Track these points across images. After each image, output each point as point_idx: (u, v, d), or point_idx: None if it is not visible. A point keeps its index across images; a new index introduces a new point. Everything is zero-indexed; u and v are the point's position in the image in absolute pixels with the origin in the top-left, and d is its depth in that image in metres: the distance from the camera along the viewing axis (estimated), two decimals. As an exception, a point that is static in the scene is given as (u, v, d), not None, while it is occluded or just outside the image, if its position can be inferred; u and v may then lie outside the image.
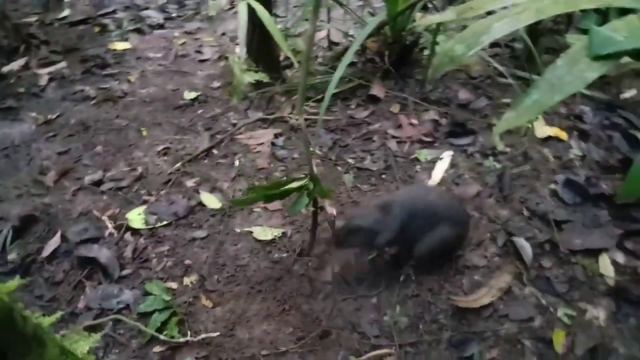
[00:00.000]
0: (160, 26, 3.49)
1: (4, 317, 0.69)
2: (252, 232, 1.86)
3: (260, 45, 2.40)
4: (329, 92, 1.93)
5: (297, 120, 1.60)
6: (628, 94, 2.43)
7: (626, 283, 1.62)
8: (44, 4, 3.83)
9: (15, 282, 0.73)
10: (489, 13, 1.30)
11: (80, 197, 2.07)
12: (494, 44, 2.93)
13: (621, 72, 2.37)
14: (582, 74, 1.05)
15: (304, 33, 2.61)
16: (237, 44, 3.10)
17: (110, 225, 1.92)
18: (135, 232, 1.89)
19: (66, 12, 3.71)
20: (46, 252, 1.84)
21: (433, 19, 1.60)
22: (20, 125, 2.50)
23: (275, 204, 1.98)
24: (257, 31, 2.36)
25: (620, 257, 1.69)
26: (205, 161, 2.22)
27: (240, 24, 2.05)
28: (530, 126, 2.19)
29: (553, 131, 2.20)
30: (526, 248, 1.71)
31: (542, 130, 2.20)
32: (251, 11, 2.14)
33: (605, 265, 1.67)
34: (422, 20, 1.77)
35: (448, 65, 1.23)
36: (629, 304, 1.56)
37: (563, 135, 2.19)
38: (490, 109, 2.40)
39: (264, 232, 1.86)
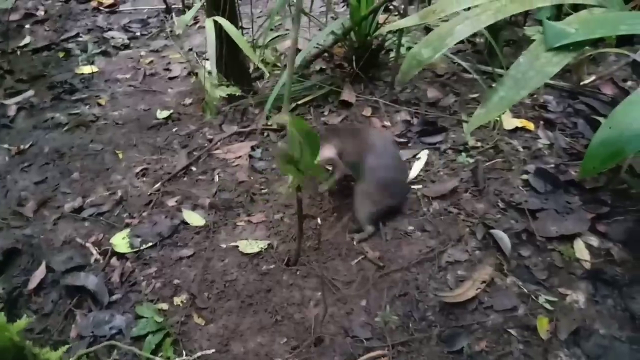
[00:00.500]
0: (126, 46, 3.48)
1: (17, 356, 0.70)
2: (237, 247, 1.88)
3: (229, 59, 2.42)
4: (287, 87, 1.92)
5: (280, 120, 1.64)
6: (587, 80, 2.53)
7: (601, 265, 1.69)
8: (2, 33, 3.77)
9: (24, 320, 0.74)
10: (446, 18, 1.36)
11: (62, 226, 2.06)
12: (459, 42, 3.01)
13: (580, 60, 2.47)
14: (544, 69, 1.11)
15: (275, 42, 2.64)
16: (205, 60, 3.11)
17: (95, 251, 1.92)
18: (121, 256, 1.89)
19: (27, 39, 3.67)
20: (32, 283, 1.83)
21: (399, 23, 1.65)
22: (-7, 158, 2.48)
23: (259, 216, 2.01)
24: (225, 46, 2.38)
25: (594, 241, 1.77)
26: (185, 179, 2.23)
27: (208, 40, 2.07)
28: (498, 119, 2.26)
29: (520, 122, 2.28)
30: (504, 239, 1.77)
31: (510, 122, 2.28)
32: (218, 26, 2.16)
33: (580, 250, 1.75)
34: (388, 26, 1.81)
35: (416, 68, 1.28)
36: (606, 286, 1.64)
37: (530, 125, 2.27)
38: (458, 105, 2.47)
39: (249, 246, 1.89)
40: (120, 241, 1.92)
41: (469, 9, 1.29)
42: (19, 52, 3.51)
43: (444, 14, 1.33)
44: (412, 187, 2.03)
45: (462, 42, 2.93)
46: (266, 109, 2.19)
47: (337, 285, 1.71)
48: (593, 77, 2.53)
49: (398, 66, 2.50)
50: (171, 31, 3.51)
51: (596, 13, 1.26)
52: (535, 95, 2.47)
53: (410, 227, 1.88)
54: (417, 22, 1.40)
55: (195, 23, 3.66)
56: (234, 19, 2.35)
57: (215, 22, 2.11)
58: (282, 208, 2.03)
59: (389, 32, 2.50)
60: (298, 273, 1.78)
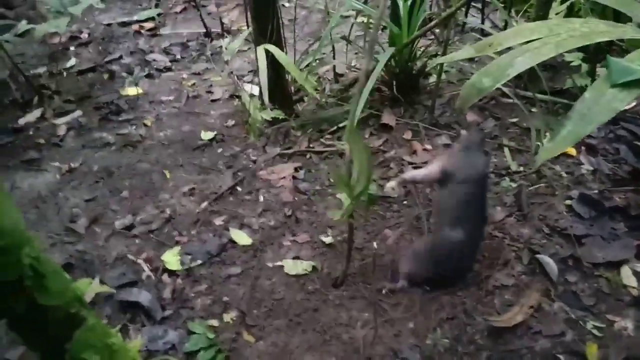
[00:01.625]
0: (168, 69, 3.60)
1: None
2: (283, 267, 1.93)
3: (273, 83, 2.50)
4: (357, 112, 1.96)
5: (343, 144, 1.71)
6: (628, 106, 2.53)
7: (649, 292, 1.69)
8: (49, 55, 3.93)
9: (139, 340, 0.81)
10: (504, 51, 1.40)
11: (113, 242, 2.13)
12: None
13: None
14: (610, 105, 1.14)
15: (314, 67, 2.71)
16: (245, 82, 3.21)
17: (146, 268, 1.98)
18: (172, 273, 1.95)
19: (72, 62, 3.81)
20: (87, 299, 1.89)
21: (454, 56, 1.70)
22: (44, 176, 2.57)
23: (303, 236, 2.05)
24: (269, 70, 2.46)
25: (641, 267, 1.77)
26: (231, 199, 2.30)
27: (260, 68, 2.15)
28: (540, 145, 2.28)
29: (562, 148, 2.29)
30: (551, 265, 1.79)
31: (552, 147, 2.29)
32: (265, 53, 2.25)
33: (627, 276, 1.75)
34: (442, 59, 1.87)
35: (475, 96, 1.32)
36: (655, 312, 1.64)
37: (572, 151, 2.29)
38: (498, 129, 2.50)
39: (294, 267, 1.93)
40: (172, 258, 1.98)
41: (525, 42, 1.33)
42: (65, 74, 3.65)
43: (500, 47, 1.37)
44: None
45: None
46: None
47: (385, 307, 1.74)
48: (634, 103, 2.54)
49: (438, 91, 2.55)
50: (212, 54, 3.62)
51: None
52: (575, 121, 2.48)
53: (456, 251, 1.90)
54: (473, 54, 1.44)
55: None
56: (279, 44, 2.43)
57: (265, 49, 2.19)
58: (327, 229, 2.07)
59: (429, 57, 2.56)
60: (345, 294, 1.81)
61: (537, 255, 1.83)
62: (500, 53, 1.42)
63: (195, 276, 1.93)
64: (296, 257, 1.96)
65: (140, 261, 2.01)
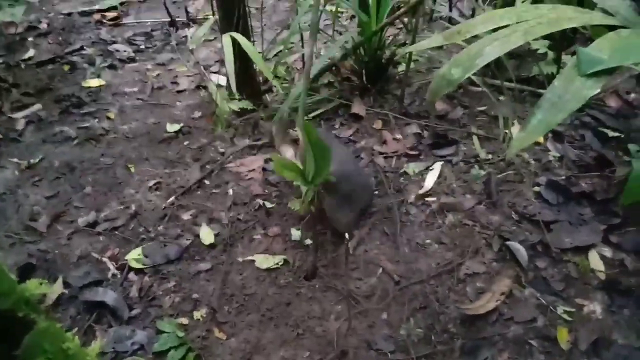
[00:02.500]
0: (132, 59, 3.49)
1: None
2: (254, 261, 1.89)
3: (241, 73, 2.43)
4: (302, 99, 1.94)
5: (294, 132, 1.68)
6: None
7: (616, 275, 1.72)
8: (6, 46, 3.77)
9: (98, 343, 0.76)
10: (473, 38, 1.39)
11: (76, 240, 2.06)
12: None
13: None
14: (580, 92, 1.14)
15: (282, 56, 2.66)
16: (212, 73, 3.14)
17: (112, 266, 1.92)
18: (139, 271, 1.89)
19: (31, 53, 3.66)
20: (50, 300, 1.82)
21: (422, 44, 1.68)
22: (3, 173, 2.46)
23: (275, 229, 2.02)
24: (236, 59, 2.40)
25: (608, 252, 1.80)
26: (199, 192, 2.24)
27: (226, 56, 2.09)
28: (508, 132, 2.29)
29: (529, 135, 2.31)
30: (521, 251, 1.80)
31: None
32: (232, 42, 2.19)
33: (595, 261, 1.78)
34: (411, 47, 1.84)
35: (445, 88, 1.31)
36: (621, 296, 1.67)
37: (539, 138, 2.31)
38: (467, 117, 2.51)
39: (266, 260, 1.89)
40: (138, 256, 1.92)
41: (494, 30, 1.32)
42: (23, 66, 3.50)
43: (469, 34, 1.36)
44: (427, 199, 2.05)
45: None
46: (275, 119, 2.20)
47: (358, 299, 1.72)
48: (597, 90, 2.57)
49: (407, 79, 2.54)
50: (177, 44, 3.52)
51: (624, 35, 1.30)
52: (542, 108, 2.50)
53: (427, 240, 1.90)
54: (441, 42, 1.43)
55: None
56: (246, 34, 2.37)
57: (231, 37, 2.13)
58: (298, 222, 2.04)
59: (398, 46, 2.54)
60: (317, 286, 1.79)
61: (507, 242, 1.84)
62: (469, 41, 1.40)
63: (163, 273, 1.88)
64: (267, 251, 1.93)
65: (105, 259, 1.95)
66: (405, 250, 1.87)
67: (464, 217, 1.98)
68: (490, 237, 1.88)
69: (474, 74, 2.58)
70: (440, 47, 2.91)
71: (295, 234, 1.95)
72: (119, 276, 1.89)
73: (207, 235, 2.00)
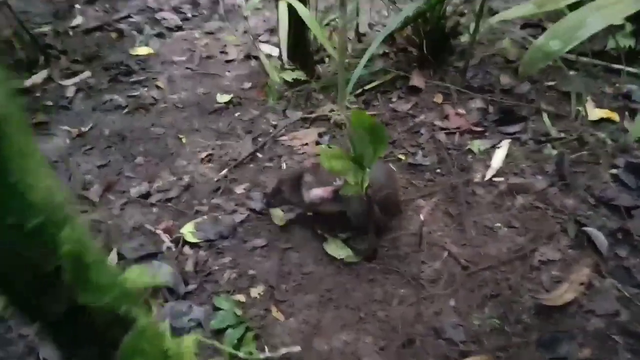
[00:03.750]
0: (179, 28, 3.42)
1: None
2: (311, 239, 1.81)
3: (294, 42, 2.34)
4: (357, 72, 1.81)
5: (338, 115, 1.55)
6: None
7: None
8: (54, 13, 3.74)
9: (190, 340, 0.69)
10: (572, 5, 1.25)
11: (129, 211, 2.02)
12: (526, 24, 2.87)
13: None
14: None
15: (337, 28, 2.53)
16: (262, 43, 3.04)
17: (166, 239, 1.88)
18: (193, 245, 1.84)
19: (78, 20, 3.63)
20: (104, 271, 1.79)
21: (511, 13, 1.54)
22: (54, 140, 2.45)
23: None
24: (291, 28, 2.30)
25: (698, 241, 1.65)
26: (251, 165, 2.17)
27: (281, 24, 1.99)
28: (580, 110, 2.13)
29: (605, 113, 2.15)
30: (600, 238, 1.67)
31: (593, 112, 2.15)
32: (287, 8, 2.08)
33: (683, 251, 1.63)
34: (498, 16, 1.70)
35: (542, 61, 1.18)
36: None
37: (615, 116, 2.14)
38: (535, 93, 2.35)
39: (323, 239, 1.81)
40: (191, 230, 1.87)
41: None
42: (71, 33, 3.47)
43: (564, 2, 1.22)
44: (495, 179, 1.93)
45: (531, 25, 2.79)
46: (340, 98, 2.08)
47: (422, 283, 1.63)
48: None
49: (472, 51, 2.39)
50: (225, 12, 3.43)
51: None
52: (617, 85, 2.32)
53: (496, 223, 1.78)
54: (533, 11, 1.29)
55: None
56: (302, 1, 2.25)
57: (288, 4, 2.02)
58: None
59: (461, 14, 2.38)
60: (378, 268, 1.70)
61: (584, 228, 1.71)
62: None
63: (219, 248, 1.83)
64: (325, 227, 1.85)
65: (159, 231, 1.90)
66: (472, 233, 1.76)
67: (535, 199, 1.85)
68: (565, 222, 1.75)
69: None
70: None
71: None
72: (173, 249, 1.84)
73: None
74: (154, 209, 2.02)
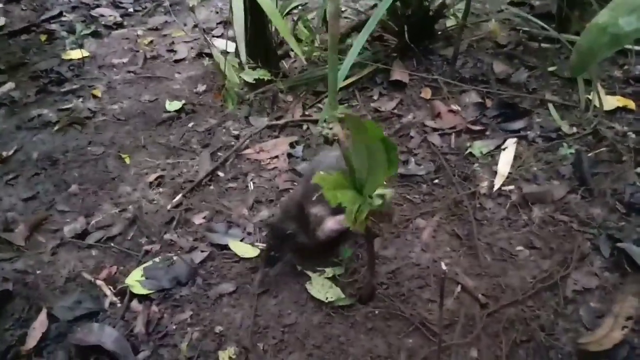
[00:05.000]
0: (119, 25, 3.00)
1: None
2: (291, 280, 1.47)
3: (254, 35, 1.97)
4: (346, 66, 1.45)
5: (328, 129, 1.22)
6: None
7: None
8: (-27, 14, 3.26)
9: None
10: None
11: (62, 257, 1.63)
12: (511, 2, 2.57)
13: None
14: None
15: (300, 13, 2.18)
16: (215, 37, 2.66)
17: (109, 291, 1.50)
18: (144, 297, 1.47)
19: (1, 21, 3.16)
20: (32, 340, 1.40)
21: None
22: (-31, 169, 2.02)
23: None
24: (247, 20, 1.93)
25: None
26: (211, 187, 1.81)
27: (235, 14, 1.63)
28: (591, 98, 1.84)
29: (619, 101, 1.87)
30: (641, 256, 1.38)
31: (606, 101, 1.86)
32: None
33: None
34: None
35: (609, 48, 0.85)
36: None
37: (630, 104, 1.87)
38: (535, 81, 2.05)
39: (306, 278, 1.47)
40: (139, 279, 1.50)
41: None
42: (-7, 37, 3.01)
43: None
44: (505, 188, 1.62)
45: (522, 4, 2.50)
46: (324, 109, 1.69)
47: (433, 329, 1.31)
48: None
49: (461, 35, 2.06)
50: (171, 5, 3.02)
51: None
52: (626, 66, 2.05)
53: (514, 244, 1.47)
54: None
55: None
56: (258, -16, 1.89)
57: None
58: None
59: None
60: (377, 313, 1.37)
61: (620, 244, 1.41)
62: None
63: (175, 299, 1.46)
64: (307, 266, 1.50)
65: (99, 282, 1.52)
66: (487, 259, 1.44)
67: (555, 210, 1.55)
68: (596, 237, 1.46)
69: (534, 27, 2.12)
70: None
71: (345, 251, 1.52)
72: (118, 305, 1.46)
73: (238, 245, 1.57)
74: (93, 252, 1.63)
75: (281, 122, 1.99)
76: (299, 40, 2.16)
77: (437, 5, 2.13)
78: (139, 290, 1.47)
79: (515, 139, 1.77)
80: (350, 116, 1.00)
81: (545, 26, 1.83)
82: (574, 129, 1.79)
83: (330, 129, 1.09)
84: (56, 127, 2.17)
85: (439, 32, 2.28)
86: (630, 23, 0.80)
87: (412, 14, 2.06)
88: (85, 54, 2.65)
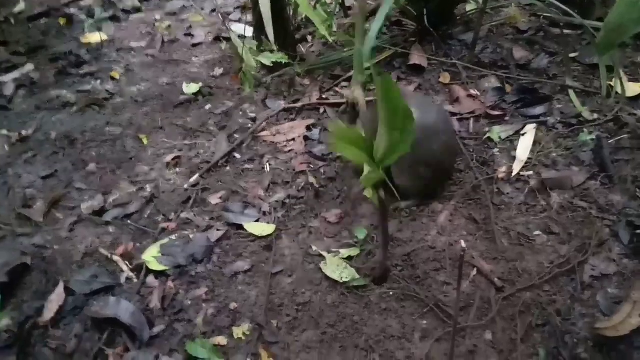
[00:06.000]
0: (137, 9, 3.01)
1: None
2: (307, 259, 1.47)
3: (273, 18, 1.96)
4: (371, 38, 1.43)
5: (352, 94, 1.22)
6: None
7: None
8: (-6, -1, 3.29)
9: None
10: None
11: (80, 233, 1.65)
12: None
13: None
14: None
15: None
16: (232, 22, 2.65)
17: (125, 267, 1.51)
18: (160, 273, 1.48)
19: (22, 6, 3.18)
20: (49, 312, 1.42)
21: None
22: (-10, 147, 2.05)
23: (328, 216, 1.59)
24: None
25: None
26: (228, 169, 1.81)
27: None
28: (613, 85, 1.81)
29: (641, 87, 1.84)
30: (662, 243, 1.35)
31: (629, 87, 1.83)
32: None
33: None
34: None
35: (638, 23, 0.83)
36: None
37: (651, 89, 1.83)
38: (556, 67, 2.02)
39: (328, 264, 1.46)
40: (156, 255, 1.51)
41: None
42: (12, 21, 3.03)
43: None
44: (523, 173, 1.60)
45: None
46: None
47: (448, 312, 1.30)
48: None
49: (481, 20, 2.04)
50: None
51: None
52: (648, 51, 2.01)
53: (532, 229, 1.46)
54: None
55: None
56: (278, -34, 1.88)
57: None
58: (353, 206, 1.61)
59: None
60: (391, 294, 1.37)
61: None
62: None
63: (191, 276, 1.47)
64: (321, 246, 1.50)
65: (116, 258, 1.54)
66: (504, 244, 1.43)
67: (574, 196, 1.53)
68: (615, 224, 1.44)
69: (555, 13, 2.09)
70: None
71: (360, 232, 1.51)
72: (135, 280, 1.48)
73: (251, 225, 1.58)
74: (110, 229, 1.64)
75: (298, 105, 1.99)
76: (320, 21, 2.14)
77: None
78: (155, 266, 1.48)
79: (534, 125, 1.74)
80: (384, 75, 0.99)
81: (569, 11, 1.80)
82: (595, 116, 1.77)
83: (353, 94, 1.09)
84: (75, 108, 2.19)
85: (459, 17, 2.25)
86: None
87: (431, -1, 2.05)
88: (104, 37, 2.66)
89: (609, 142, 1.67)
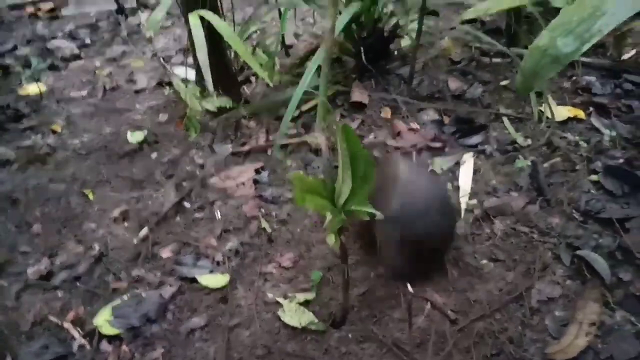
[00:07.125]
0: (76, 57, 2.96)
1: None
2: (262, 309, 1.47)
3: (214, 62, 1.97)
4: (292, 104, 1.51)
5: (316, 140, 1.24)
6: (628, 55, 2.22)
7: None
8: None
9: None
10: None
11: (27, 300, 1.59)
12: (464, 20, 2.65)
13: (620, 33, 2.15)
14: None
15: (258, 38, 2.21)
16: (175, 65, 2.65)
17: (77, 334, 1.47)
18: (113, 338, 1.44)
19: (-46, 57, 3.09)
20: (-4, 391, 1.36)
21: (489, 4, 1.25)
22: None
23: (282, 260, 1.60)
24: (207, 46, 1.94)
25: None
26: (177, 219, 1.79)
27: (197, 41, 1.63)
28: (543, 110, 1.91)
29: (569, 111, 1.95)
30: (599, 262, 1.43)
31: (557, 111, 1.94)
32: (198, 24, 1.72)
33: (692, 265, 1.42)
34: (471, 11, 1.41)
35: (551, 68, 0.90)
36: None
37: (580, 113, 1.95)
38: (489, 95, 2.12)
39: (278, 306, 1.47)
40: (108, 318, 1.47)
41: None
42: (-57, 74, 2.93)
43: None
44: (468, 201, 1.66)
45: (473, 20, 2.58)
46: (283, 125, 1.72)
47: (406, 348, 1.32)
48: (634, 51, 2.22)
49: (416, 54, 2.12)
50: (128, 35, 3.00)
51: None
52: (574, 77, 2.14)
53: (478, 258, 1.51)
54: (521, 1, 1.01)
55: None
56: (216, 11, 1.90)
57: (200, 17, 1.66)
58: (311, 247, 1.63)
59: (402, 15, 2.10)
60: (350, 336, 1.38)
61: (579, 252, 1.47)
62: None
63: (146, 337, 1.44)
64: (277, 293, 1.50)
65: (67, 325, 1.49)
66: (453, 275, 1.47)
67: (516, 222, 1.59)
68: (556, 246, 1.51)
69: (485, 43, 2.20)
70: (437, 15, 2.49)
71: (315, 274, 1.53)
72: (87, 347, 1.43)
73: (207, 278, 1.56)
74: (59, 293, 1.60)
75: (245, 148, 2.00)
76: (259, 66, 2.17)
77: (391, 26, 2.18)
78: (108, 330, 1.45)
79: (472, 154, 1.82)
80: (343, 125, 1.01)
81: (494, 42, 1.90)
82: (529, 141, 1.86)
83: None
84: (15, 166, 2.12)
85: (395, 52, 2.33)
86: (567, 44, 0.84)
87: (368, 36, 2.11)
88: (43, 88, 2.61)
89: (544, 165, 1.75)
